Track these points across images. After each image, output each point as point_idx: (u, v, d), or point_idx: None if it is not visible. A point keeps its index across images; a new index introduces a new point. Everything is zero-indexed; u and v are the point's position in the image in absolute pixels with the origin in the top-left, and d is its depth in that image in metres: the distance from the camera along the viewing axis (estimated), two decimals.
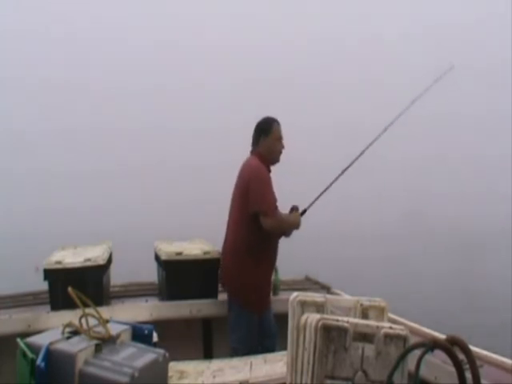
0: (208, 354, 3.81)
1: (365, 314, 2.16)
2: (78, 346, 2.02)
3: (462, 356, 1.72)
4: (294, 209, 3.60)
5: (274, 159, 3.57)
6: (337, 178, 3.61)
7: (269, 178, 3.49)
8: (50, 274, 3.47)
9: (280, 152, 3.57)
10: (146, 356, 2.07)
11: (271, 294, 3.72)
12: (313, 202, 3.61)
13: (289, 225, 3.53)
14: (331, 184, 3.62)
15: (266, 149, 3.52)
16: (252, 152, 3.57)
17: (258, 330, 3.41)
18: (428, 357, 1.69)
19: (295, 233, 3.62)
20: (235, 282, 3.47)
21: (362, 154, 3.66)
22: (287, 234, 3.59)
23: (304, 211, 3.59)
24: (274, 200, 3.45)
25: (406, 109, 3.71)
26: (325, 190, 3.61)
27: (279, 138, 3.56)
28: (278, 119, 3.59)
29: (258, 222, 3.36)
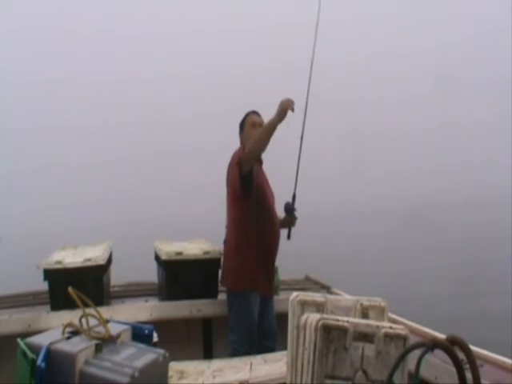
0: (208, 354, 3.81)
1: (365, 314, 2.16)
2: (79, 346, 2.02)
3: (462, 356, 1.72)
4: (286, 207, 3.62)
5: None
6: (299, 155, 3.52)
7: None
8: (50, 274, 3.47)
9: None
10: (146, 356, 2.06)
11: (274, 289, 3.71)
12: (295, 187, 3.60)
13: (266, 124, 3.28)
14: (299, 161, 3.55)
15: (246, 140, 3.50)
16: None
17: (258, 330, 3.41)
18: (428, 357, 1.69)
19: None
20: (233, 269, 3.47)
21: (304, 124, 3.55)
22: (268, 136, 3.26)
23: (293, 197, 3.61)
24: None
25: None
26: (297, 171, 3.58)
27: (253, 124, 3.52)
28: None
29: (246, 202, 3.38)
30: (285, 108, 3.18)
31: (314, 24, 3.65)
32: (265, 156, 3.61)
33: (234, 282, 3.47)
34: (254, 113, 3.61)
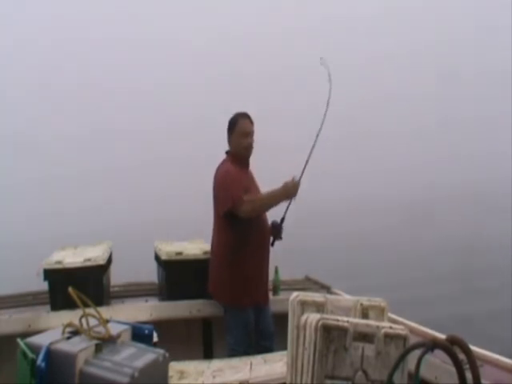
0: (208, 354, 3.81)
1: (365, 314, 2.16)
2: (79, 346, 2.03)
3: (462, 356, 1.72)
4: (273, 224, 3.51)
5: (242, 155, 3.47)
6: (302, 172, 3.35)
7: (233, 174, 3.36)
8: (50, 274, 3.47)
9: (245, 148, 3.44)
10: (146, 356, 2.07)
11: (270, 292, 3.70)
12: (287, 208, 3.45)
13: (269, 198, 3.31)
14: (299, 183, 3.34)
15: (233, 146, 3.45)
16: (226, 152, 3.52)
17: (255, 330, 3.40)
18: (428, 357, 1.69)
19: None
20: (222, 284, 3.40)
21: (316, 140, 3.44)
22: (266, 209, 3.34)
23: (282, 219, 3.49)
24: (239, 190, 3.29)
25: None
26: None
27: (244, 134, 3.41)
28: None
29: (232, 222, 3.30)
30: (290, 195, 3.29)
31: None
32: (257, 157, 3.56)
33: (227, 297, 3.42)
34: (247, 117, 3.47)
